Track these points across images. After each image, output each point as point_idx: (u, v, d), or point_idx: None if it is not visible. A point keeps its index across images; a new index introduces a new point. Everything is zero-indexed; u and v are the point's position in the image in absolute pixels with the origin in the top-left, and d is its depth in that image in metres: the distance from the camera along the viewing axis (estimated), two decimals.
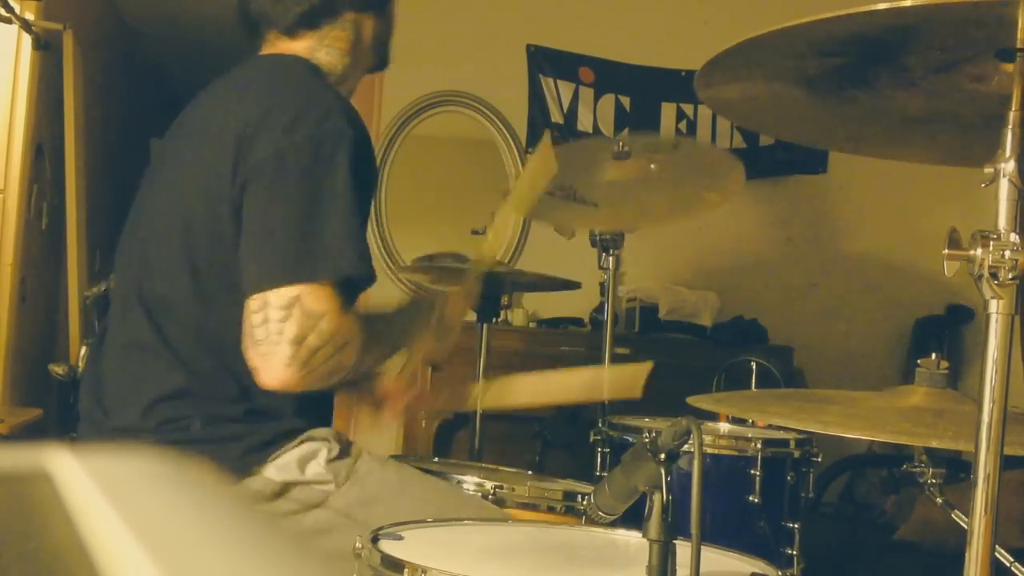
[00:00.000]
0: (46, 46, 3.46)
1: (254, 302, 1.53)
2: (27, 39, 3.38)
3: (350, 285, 1.58)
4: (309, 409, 1.68)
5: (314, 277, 1.52)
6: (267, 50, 1.81)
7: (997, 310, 1.06)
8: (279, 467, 1.62)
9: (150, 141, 1.92)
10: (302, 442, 1.64)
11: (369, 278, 1.58)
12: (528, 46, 4.34)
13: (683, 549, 1.08)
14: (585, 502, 1.62)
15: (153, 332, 1.65)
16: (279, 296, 1.52)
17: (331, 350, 1.53)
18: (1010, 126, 1.07)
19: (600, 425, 2.39)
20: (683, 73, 4.27)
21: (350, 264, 1.55)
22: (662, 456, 1.10)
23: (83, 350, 1.94)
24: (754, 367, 3.25)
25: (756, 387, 3.19)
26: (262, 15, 1.79)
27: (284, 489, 1.62)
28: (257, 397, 1.62)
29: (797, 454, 2.25)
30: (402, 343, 1.78)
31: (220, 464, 1.57)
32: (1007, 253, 1.04)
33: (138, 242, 1.72)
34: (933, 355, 1.39)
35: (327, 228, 1.54)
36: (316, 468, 1.64)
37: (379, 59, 1.89)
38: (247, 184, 1.57)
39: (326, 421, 1.73)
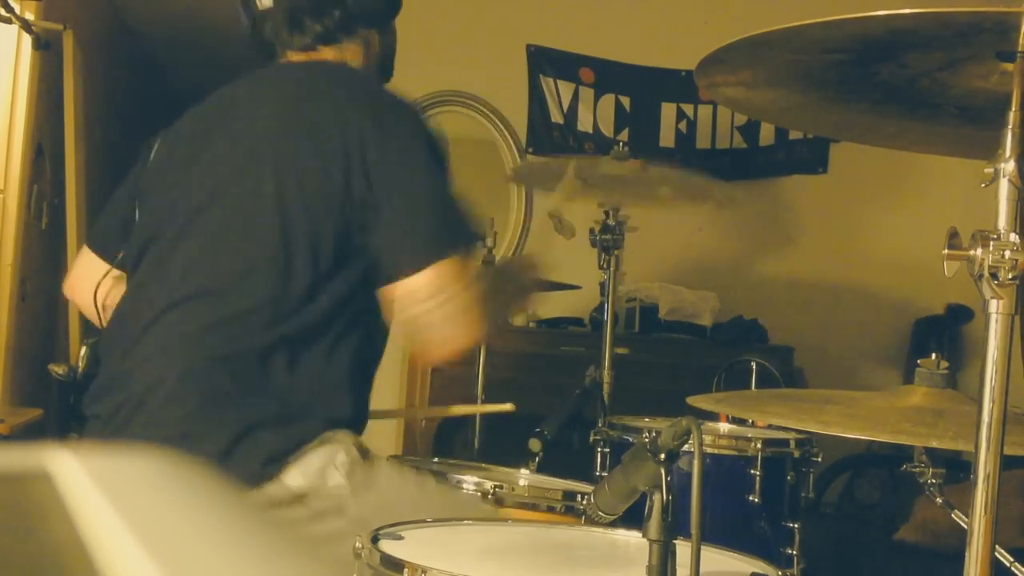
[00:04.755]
0: (46, 46, 3.45)
1: (418, 285, 1.63)
2: (27, 39, 3.38)
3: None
4: (331, 408, 1.67)
5: (460, 248, 1.68)
6: (291, 59, 1.83)
7: (997, 310, 1.06)
8: (297, 473, 1.59)
9: (154, 141, 1.89)
10: (320, 444, 1.61)
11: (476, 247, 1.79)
12: (528, 46, 4.34)
13: (683, 549, 1.08)
14: (585, 502, 1.62)
15: (212, 343, 1.63)
16: (441, 271, 1.64)
17: (482, 308, 1.68)
18: (1010, 126, 1.07)
19: (600, 425, 2.39)
20: (683, 73, 4.26)
21: (474, 232, 1.76)
22: (662, 456, 1.10)
23: (83, 350, 1.93)
24: (754, 367, 3.25)
25: (756, 387, 3.20)
26: (278, 38, 1.81)
27: (301, 497, 1.59)
28: (287, 398, 1.61)
29: (797, 454, 2.25)
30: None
31: (242, 472, 1.56)
32: (1007, 253, 1.04)
33: (198, 253, 1.69)
34: (933, 355, 1.39)
35: (452, 205, 1.70)
36: (334, 475, 1.61)
37: (383, 71, 1.93)
38: (373, 184, 1.65)
39: (352, 421, 1.71)
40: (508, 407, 2.29)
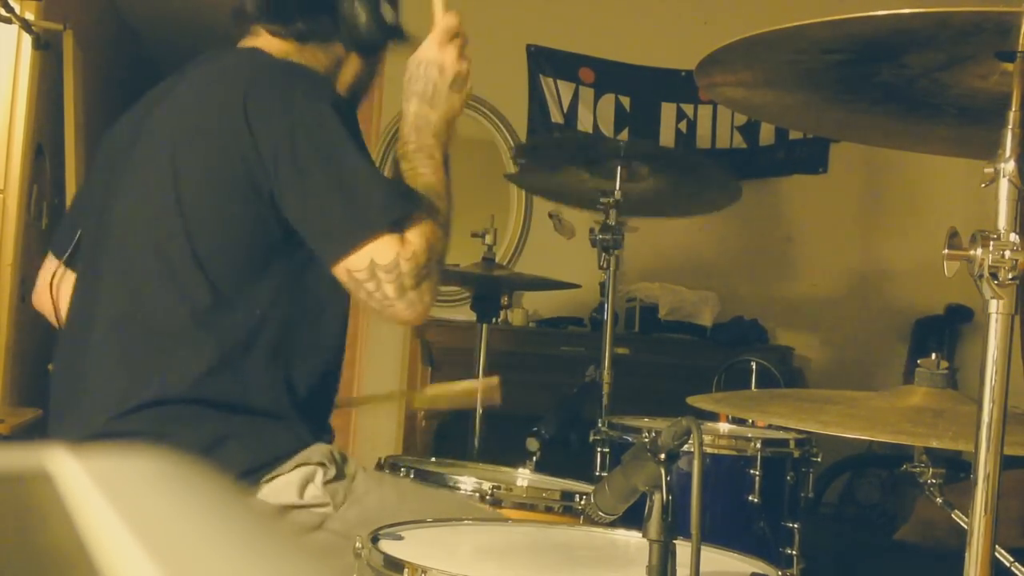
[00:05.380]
0: (46, 46, 3.45)
1: (342, 275, 1.57)
2: (27, 39, 3.38)
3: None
4: (305, 419, 1.66)
5: (374, 233, 1.56)
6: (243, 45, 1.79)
7: (997, 310, 1.06)
8: (275, 490, 1.58)
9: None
10: (297, 465, 1.59)
11: (415, 208, 1.61)
12: (528, 46, 4.34)
13: (683, 549, 1.08)
14: (584, 502, 1.62)
15: (156, 334, 1.61)
16: (358, 266, 1.56)
17: (425, 270, 1.59)
18: (1010, 126, 1.07)
19: (600, 425, 2.39)
20: (683, 73, 4.26)
21: (394, 207, 1.59)
22: (662, 456, 1.10)
23: None
24: (754, 367, 3.24)
25: (756, 387, 3.19)
26: (259, 17, 1.76)
27: (281, 513, 1.58)
28: (245, 408, 1.59)
29: (797, 454, 2.25)
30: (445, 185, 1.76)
31: None
32: (1007, 253, 1.04)
33: (124, 271, 1.66)
34: (933, 355, 1.39)
35: (360, 183, 1.58)
36: (313, 491, 1.60)
37: (350, 99, 1.85)
38: (277, 179, 1.57)
39: (322, 428, 1.70)
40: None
